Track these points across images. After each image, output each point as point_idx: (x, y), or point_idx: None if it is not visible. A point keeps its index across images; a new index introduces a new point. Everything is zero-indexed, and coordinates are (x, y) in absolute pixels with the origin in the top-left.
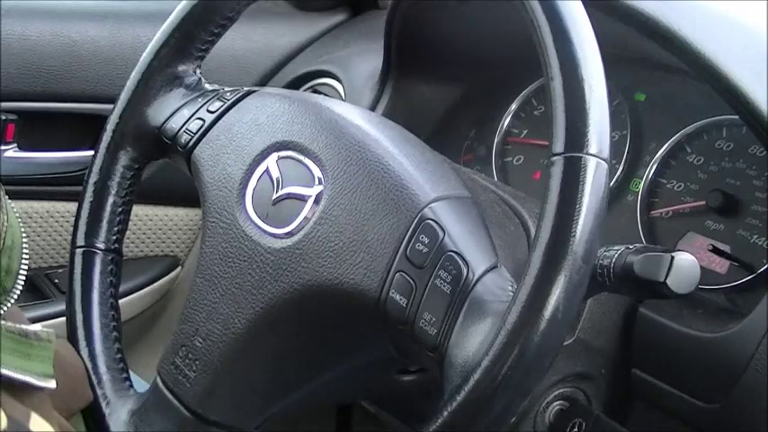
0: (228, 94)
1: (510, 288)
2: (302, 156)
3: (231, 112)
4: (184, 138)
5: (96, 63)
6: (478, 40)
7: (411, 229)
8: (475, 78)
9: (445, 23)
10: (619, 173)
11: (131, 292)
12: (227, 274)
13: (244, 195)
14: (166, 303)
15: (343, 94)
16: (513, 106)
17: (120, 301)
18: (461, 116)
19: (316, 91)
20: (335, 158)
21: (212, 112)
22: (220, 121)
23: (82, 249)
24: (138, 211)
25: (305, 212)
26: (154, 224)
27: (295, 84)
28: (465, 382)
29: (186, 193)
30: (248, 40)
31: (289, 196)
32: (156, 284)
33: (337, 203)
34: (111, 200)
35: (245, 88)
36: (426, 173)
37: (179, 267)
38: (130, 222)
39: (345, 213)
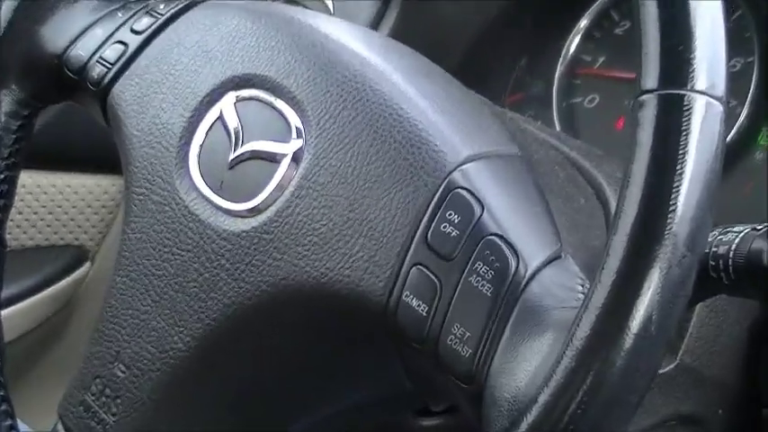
0: (162, 5)
1: (580, 288)
2: (272, 96)
3: (167, 32)
4: (98, 70)
5: None
6: None
7: (434, 203)
8: None
9: None
10: (741, 119)
11: (17, 300)
12: (163, 272)
13: (187, 155)
14: (70, 315)
15: (330, 6)
16: (584, 22)
17: (2, 313)
18: (506, 37)
19: (291, 1)
20: (321, 100)
21: (139, 33)
22: (150, 47)
23: None
24: (27, 179)
25: (277, 179)
26: (50, 199)
27: None
28: (515, 426)
29: (99, 153)
30: None
31: (253, 155)
32: (53, 288)
33: (325, 166)
34: None
35: None
36: (455, 121)
37: (87, 263)
38: (16, 197)
39: (337, 180)
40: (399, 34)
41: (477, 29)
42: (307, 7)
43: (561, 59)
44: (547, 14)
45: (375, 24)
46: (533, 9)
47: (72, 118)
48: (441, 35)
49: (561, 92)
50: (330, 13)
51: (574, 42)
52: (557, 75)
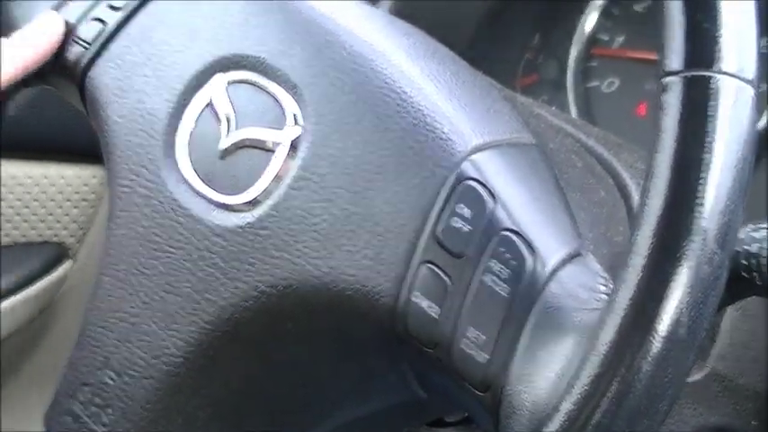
0: None
1: (602, 288)
2: (266, 79)
3: (148, 8)
4: (75, 51)
5: None
6: None
7: (443, 196)
8: None
9: None
10: None
11: None
12: (152, 271)
13: (174, 144)
14: (51, 317)
15: None
16: None
17: None
18: (516, 13)
19: None
20: (319, 83)
21: (117, 9)
22: (131, 24)
23: None
24: (2, 171)
25: (273, 170)
26: (26, 192)
27: None
28: None
29: (78, 140)
30: None
31: (246, 143)
32: (32, 288)
33: (324, 155)
34: None
35: None
36: (464, 105)
37: (68, 261)
38: None
39: (337, 171)
40: (401, 10)
41: (485, 4)
42: None
43: (577, 39)
44: None
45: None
46: None
47: (46, 101)
48: (446, 11)
49: (577, 75)
50: None
51: (590, 20)
52: (572, 56)
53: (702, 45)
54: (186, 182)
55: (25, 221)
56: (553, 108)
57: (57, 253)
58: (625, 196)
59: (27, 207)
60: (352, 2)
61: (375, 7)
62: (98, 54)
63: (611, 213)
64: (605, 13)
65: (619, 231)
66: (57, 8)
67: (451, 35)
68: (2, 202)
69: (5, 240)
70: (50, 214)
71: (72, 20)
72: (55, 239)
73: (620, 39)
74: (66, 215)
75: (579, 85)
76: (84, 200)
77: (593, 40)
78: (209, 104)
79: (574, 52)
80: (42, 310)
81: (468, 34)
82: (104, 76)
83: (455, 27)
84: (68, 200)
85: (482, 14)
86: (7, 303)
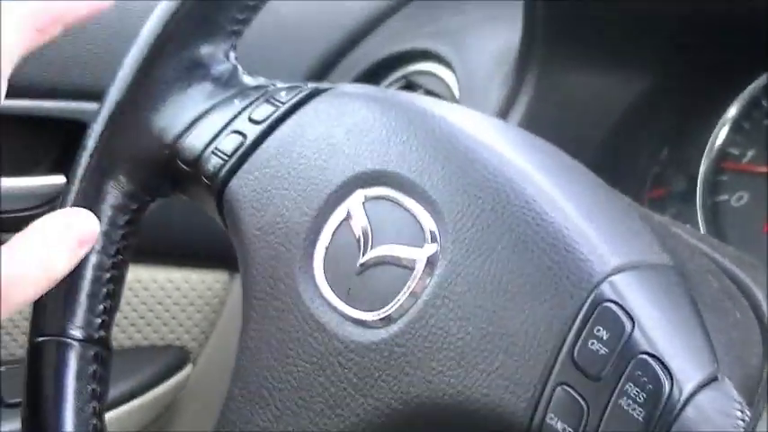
0: (283, 93)
1: (738, 414)
2: (405, 196)
3: (288, 122)
4: (213, 162)
5: (81, 41)
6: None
7: (581, 318)
8: (670, 63)
9: None
10: None
11: (115, 406)
12: (285, 385)
13: (311, 258)
14: (170, 421)
15: (456, 91)
16: (732, 111)
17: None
18: (646, 126)
19: (410, 85)
20: (458, 201)
21: (258, 123)
22: (271, 138)
23: (48, 340)
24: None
25: (410, 287)
26: (151, 296)
27: (376, 72)
28: None
29: (203, 246)
30: (303, 1)
31: (384, 260)
32: (153, 392)
33: (461, 274)
34: (93, 260)
35: (310, 85)
36: (603, 226)
37: (189, 365)
38: None
39: (475, 290)
40: (531, 120)
41: (616, 114)
42: (431, 92)
43: (707, 152)
44: (692, 101)
45: (504, 110)
46: (677, 95)
47: (174, 208)
48: (576, 122)
49: (706, 188)
50: (455, 99)
51: (721, 133)
52: (702, 169)
53: None
54: (322, 296)
55: (148, 325)
56: (688, 226)
57: (179, 357)
58: (759, 318)
59: (151, 311)
60: (491, 118)
61: (505, 118)
62: (237, 166)
63: (746, 336)
64: (736, 128)
65: (753, 353)
66: (196, 122)
67: (581, 146)
68: (126, 306)
69: (128, 343)
70: (174, 318)
71: (212, 133)
72: (177, 343)
73: (751, 153)
74: (189, 319)
75: (708, 198)
76: (207, 304)
77: (723, 154)
78: (347, 219)
79: (703, 166)
80: (161, 415)
81: (596, 145)
82: (243, 189)
83: (584, 139)
84: (192, 304)
85: (611, 127)
86: (126, 407)
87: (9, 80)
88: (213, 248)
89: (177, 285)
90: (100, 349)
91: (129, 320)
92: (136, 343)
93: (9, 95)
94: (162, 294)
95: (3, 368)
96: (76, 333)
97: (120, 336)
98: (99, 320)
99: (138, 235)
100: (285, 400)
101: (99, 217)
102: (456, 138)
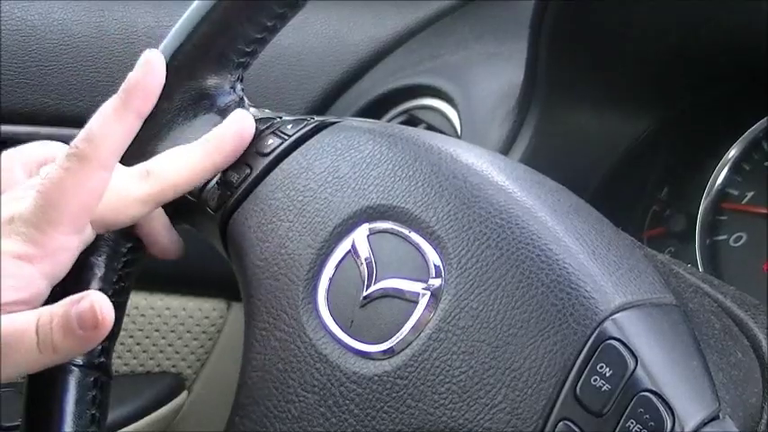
0: (290, 126)
1: None
2: (410, 230)
3: (294, 155)
4: (218, 194)
5: (87, 70)
6: (682, 41)
7: (584, 354)
8: (671, 104)
9: (628, 13)
10: None
11: (114, 430)
12: (286, 415)
13: (315, 290)
14: None
15: (458, 127)
16: (733, 152)
17: None
18: (646, 165)
19: (412, 119)
20: (463, 237)
21: (264, 155)
22: (276, 170)
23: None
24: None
25: (413, 320)
26: (148, 322)
27: (378, 106)
28: None
29: (201, 275)
30: (306, 35)
31: (388, 293)
32: (147, 419)
33: (465, 308)
34: (95, 286)
35: (316, 118)
36: (608, 264)
37: (184, 392)
38: None
39: (478, 324)
40: (533, 158)
41: (618, 154)
42: (433, 127)
43: (706, 192)
44: (692, 142)
45: (506, 147)
46: (677, 135)
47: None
48: (576, 160)
49: (705, 228)
50: (457, 134)
51: (721, 173)
52: (701, 208)
53: None
54: (325, 328)
55: (144, 351)
56: (689, 266)
57: (174, 384)
58: (760, 358)
59: (148, 337)
60: (496, 155)
61: (506, 155)
62: (242, 198)
63: (747, 375)
64: (736, 168)
65: (753, 393)
66: None
67: (580, 185)
68: (122, 332)
69: (123, 369)
70: (170, 345)
71: None
72: (173, 370)
73: (750, 194)
74: (186, 346)
75: (706, 238)
76: (203, 332)
77: (722, 194)
78: (351, 252)
79: (703, 206)
80: None
81: (597, 183)
82: (248, 220)
83: (584, 177)
84: (189, 331)
85: (611, 165)
86: None
87: (7, 107)
88: (211, 277)
89: (174, 312)
90: (100, 375)
91: (126, 346)
92: (132, 369)
93: (9, 122)
94: (159, 321)
95: (1, 391)
96: (77, 358)
97: (116, 362)
98: (99, 347)
99: (141, 263)
100: (286, 430)
101: (101, 244)
102: (462, 174)
